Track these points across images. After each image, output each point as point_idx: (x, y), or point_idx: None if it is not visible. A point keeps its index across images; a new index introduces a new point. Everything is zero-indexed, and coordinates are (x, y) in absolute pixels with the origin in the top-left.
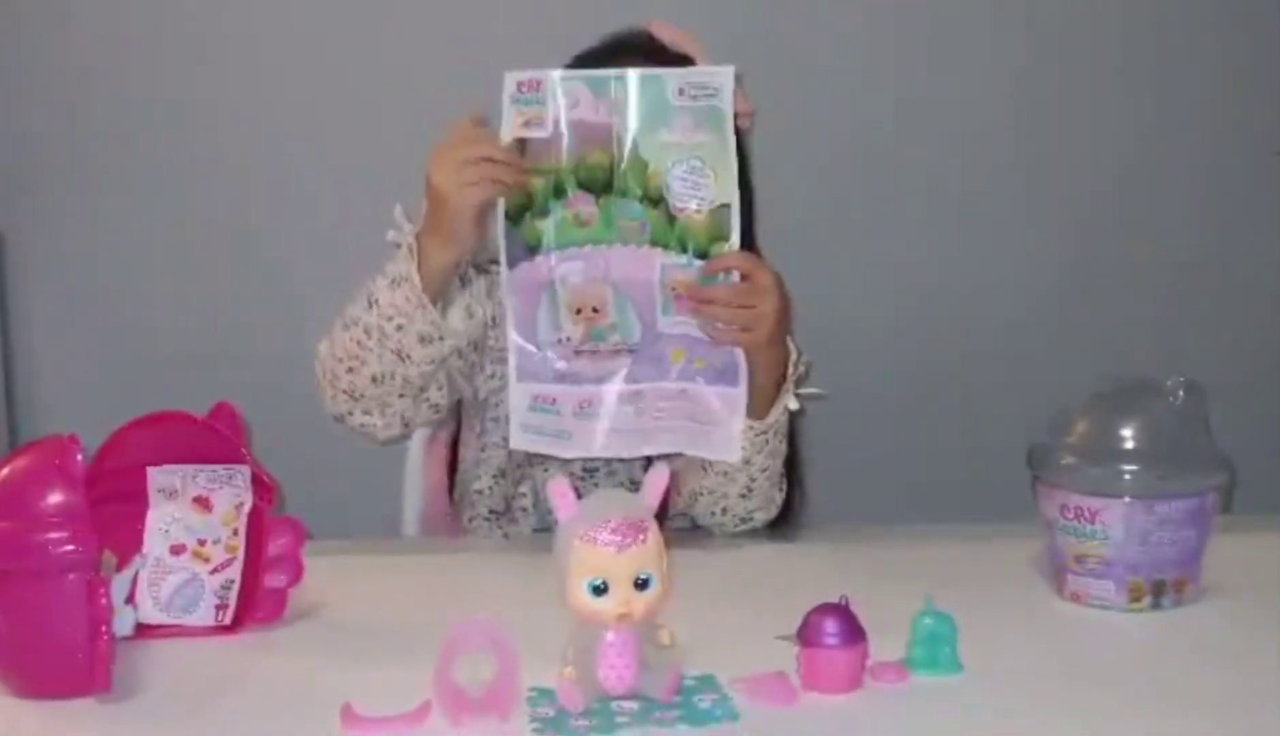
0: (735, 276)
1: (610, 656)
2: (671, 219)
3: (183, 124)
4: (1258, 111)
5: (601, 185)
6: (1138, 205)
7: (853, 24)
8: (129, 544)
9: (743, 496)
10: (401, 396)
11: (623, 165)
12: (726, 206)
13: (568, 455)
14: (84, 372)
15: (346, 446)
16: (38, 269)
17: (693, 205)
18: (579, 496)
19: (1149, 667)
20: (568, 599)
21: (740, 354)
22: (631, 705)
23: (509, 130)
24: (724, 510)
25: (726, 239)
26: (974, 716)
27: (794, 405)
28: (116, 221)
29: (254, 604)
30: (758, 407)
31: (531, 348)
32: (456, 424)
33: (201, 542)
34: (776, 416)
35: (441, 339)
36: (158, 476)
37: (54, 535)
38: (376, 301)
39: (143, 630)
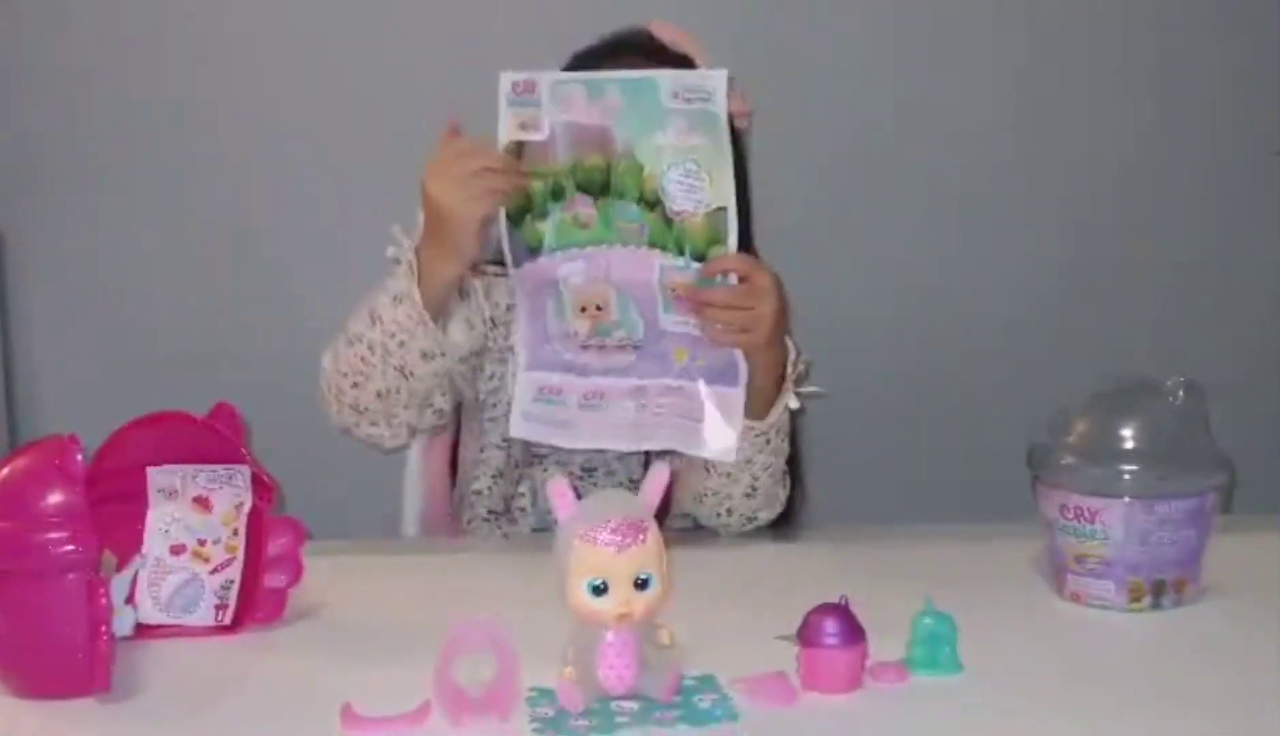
0: (733, 278)
1: (610, 656)
2: (668, 221)
3: (183, 124)
4: (1258, 111)
5: (599, 187)
6: (1138, 205)
7: (853, 24)
8: (129, 544)
9: (747, 496)
10: (406, 407)
11: (617, 168)
12: (723, 209)
13: (567, 445)
14: (84, 372)
15: (346, 446)
16: (38, 269)
17: (689, 208)
18: (578, 496)
19: (1149, 667)
20: (567, 599)
21: (739, 355)
22: (631, 705)
23: (505, 132)
24: (729, 510)
25: (723, 242)
26: (974, 716)
27: (794, 404)
28: (116, 221)
29: (254, 604)
30: (758, 408)
31: (542, 339)
32: (456, 425)
33: (201, 542)
34: (777, 416)
35: (443, 354)
36: (157, 476)
37: (54, 535)
38: (380, 318)
39: (142, 630)
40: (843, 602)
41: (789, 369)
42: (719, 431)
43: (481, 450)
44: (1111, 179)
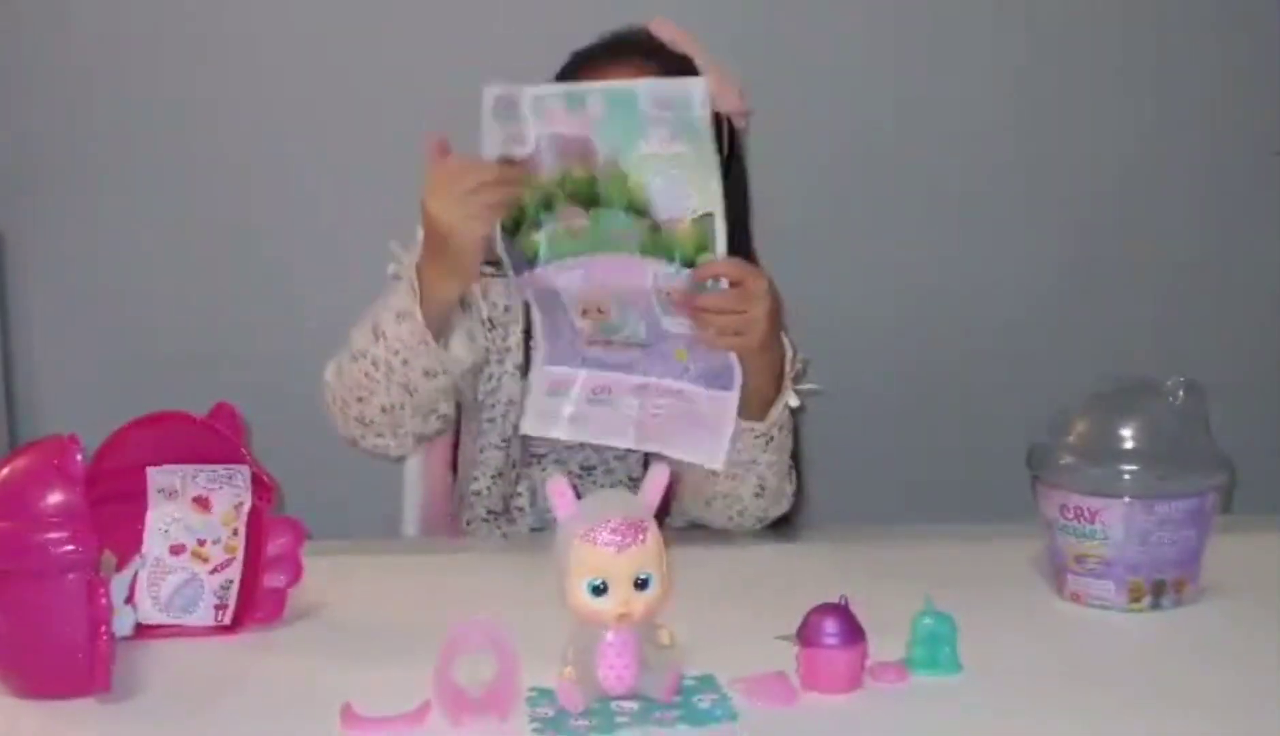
0: (724, 283)
1: (610, 656)
2: (657, 229)
3: (183, 124)
4: (1258, 111)
5: (587, 197)
6: (1138, 205)
7: (853, 24)
8: (128, 544)
9: (756, 496)
10: (412, 417)
11: (603, 178)
12: (710, 215)
13: (576, 438)
14: (84, 372)
15: (346, 447)
16: (38, 269)
17: (675, 215)
18: (578, 495)
19: (1149, 667)
20: (567, 599)
21: (734, 359)
22: (631, 705)
23: (491, 147)
24: (740, 511)
25: (711, 247)
26: (974, 716)
27: (794, 402)
28: (116, 221)
29: (253, 604)
30: (758, 409)
31: (554, 335)
32: (456, 426)
33: (201, 542)
34: (778, 415)
35: (446, 372)
36: (157, 476)
37: (54, 535)
38: (383, 334)
39: (142, 630)
40: (843, 602)
41: (787, 367)
42: (713, 437)
43: (481, 450)
44: (1111, 179)
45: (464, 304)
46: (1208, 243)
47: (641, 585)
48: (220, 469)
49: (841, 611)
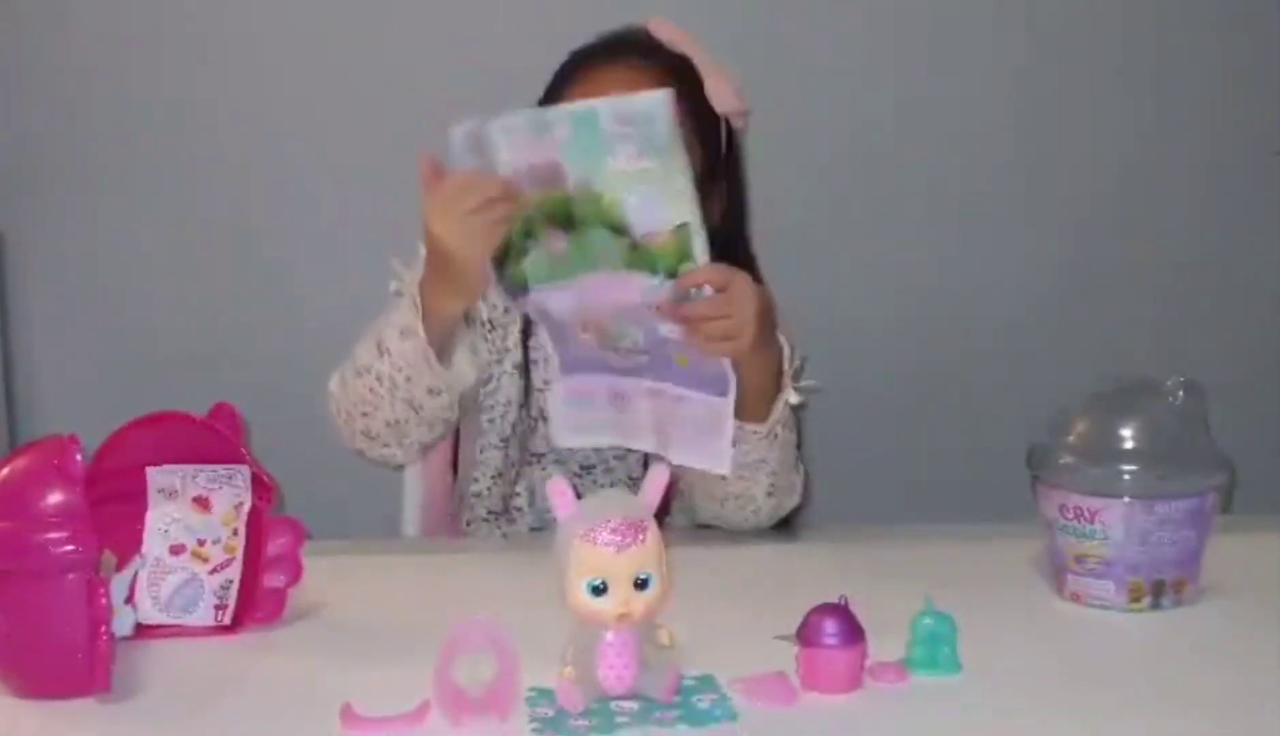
0: (707, 290)
1: (610, 656)
2: (636, 245)
3: (183, 124)
4: (1258, 111)
5: (565, 220)
6: (1138, 205)
7: (853, 24)
8: (128, 544)
9: (769, 494)
10: (417, 428)
11: (576, 199)
12: (687, 225)
13: (605, 442)
14: (84, 372)
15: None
16: (38, 269)
17: (652, 229)
18: (577, 495)
19: (1149, 667)
20: (567, 599)
21: (728, 364)
22: (631, 705)
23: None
24: (755, 511)
25: (692, 257)
26: (974, 716)
27: (795, 399)
28: (116, 221)
29: (253, 604)
30: (759, 410)
31: (565, 345)
32: (455, 427)
33: (201, 542)
34: (779, 414)
35: (449, 389)
36: (157, 476)
37: (54, 535)
38: (388, 351)
39: (142, 630)
40: (842, 602)
41: (786, 365)
42: (715, 443)
43: (481, 451)
44: (1111, 179)
45: (467, 318)
46: (1208, 243)
47: (641, 585)
48: (220, 469)
49: (841, 611)
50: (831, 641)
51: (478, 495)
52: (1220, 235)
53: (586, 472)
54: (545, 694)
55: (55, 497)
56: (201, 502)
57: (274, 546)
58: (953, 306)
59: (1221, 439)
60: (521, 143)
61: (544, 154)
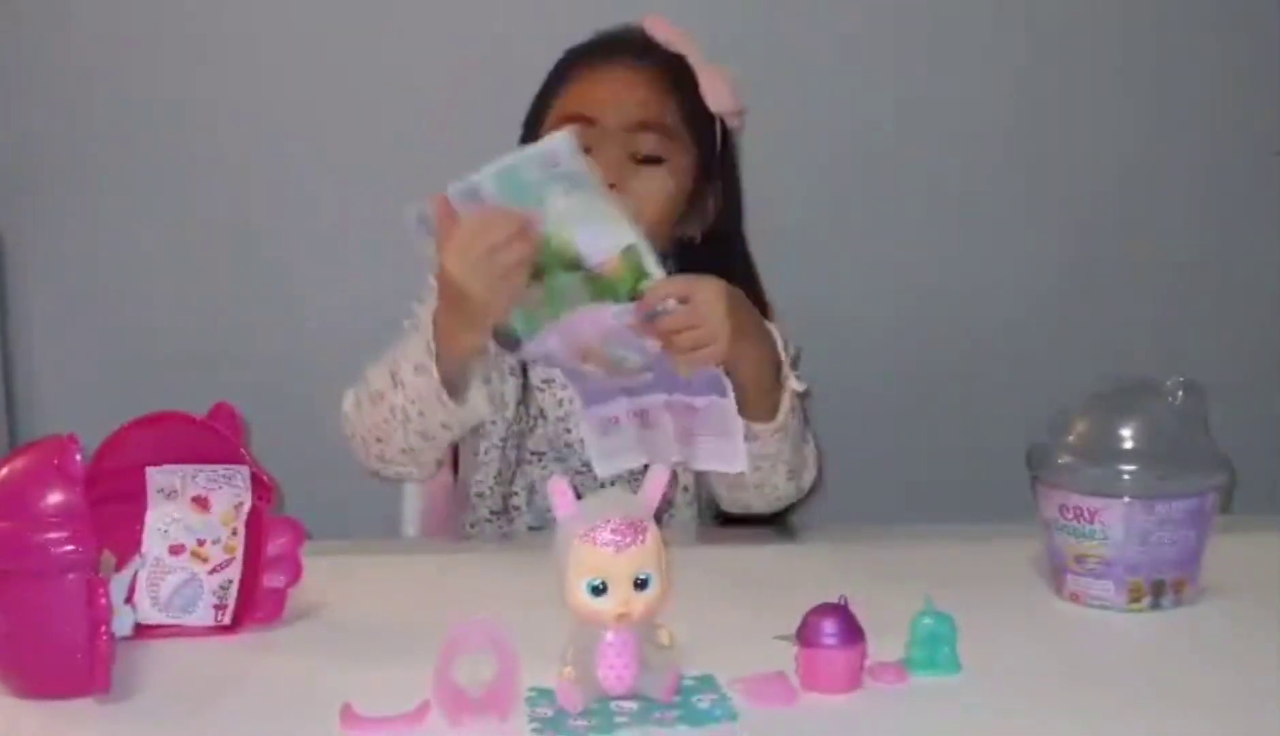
0: (670, 303)
1: (609, 656)
2: (593, 276)
3: (183, 124)
4: (1258, 111)
5: (532, 270)
6: (1138, 205)
7: (853, 24)
8: (128, 544)
9: (789, 479)
10: (433, 452)
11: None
12: (633, 245)
13: (640, 463)
14: (84, 372)
15: (346, 447)
16: (38, 269)
17: (602, 258)
18: (578, 494)
19: (1148, 667)
20: (567, 598)
21: (718, 368)
22: (631, 705)
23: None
24: (779, 498)
25: (648, 274)
26: (973, 716)
27: (799, 387)
28: (116, 221)
29: (253, 604)
30: (764, 405)
31: (584, 378)
32: None
33: (200, 543)
34: (787, 406)
35: (462, 424)
36: (157, 476)
37: (53, 535)
38: (402, 383)
39: (142, 630)
40: (842, 603)
41: (782, 355)
42: (729, 443)
43: (485, 452)
44: (1111, 179)
45: (481, 347)
46: (1208, 243)
47: (641, 585)
48: (220, 469)
49: (841, 611)
50: (831, 641)
51: (480, 495)
52: (1220, 235)
53: (587, 470)
54: (545, 694)
55: (55, 497)
56: (201, 503)
57: (274, 546)
58: (953, 306)
59: (1221, 439)
60: (465, 211)
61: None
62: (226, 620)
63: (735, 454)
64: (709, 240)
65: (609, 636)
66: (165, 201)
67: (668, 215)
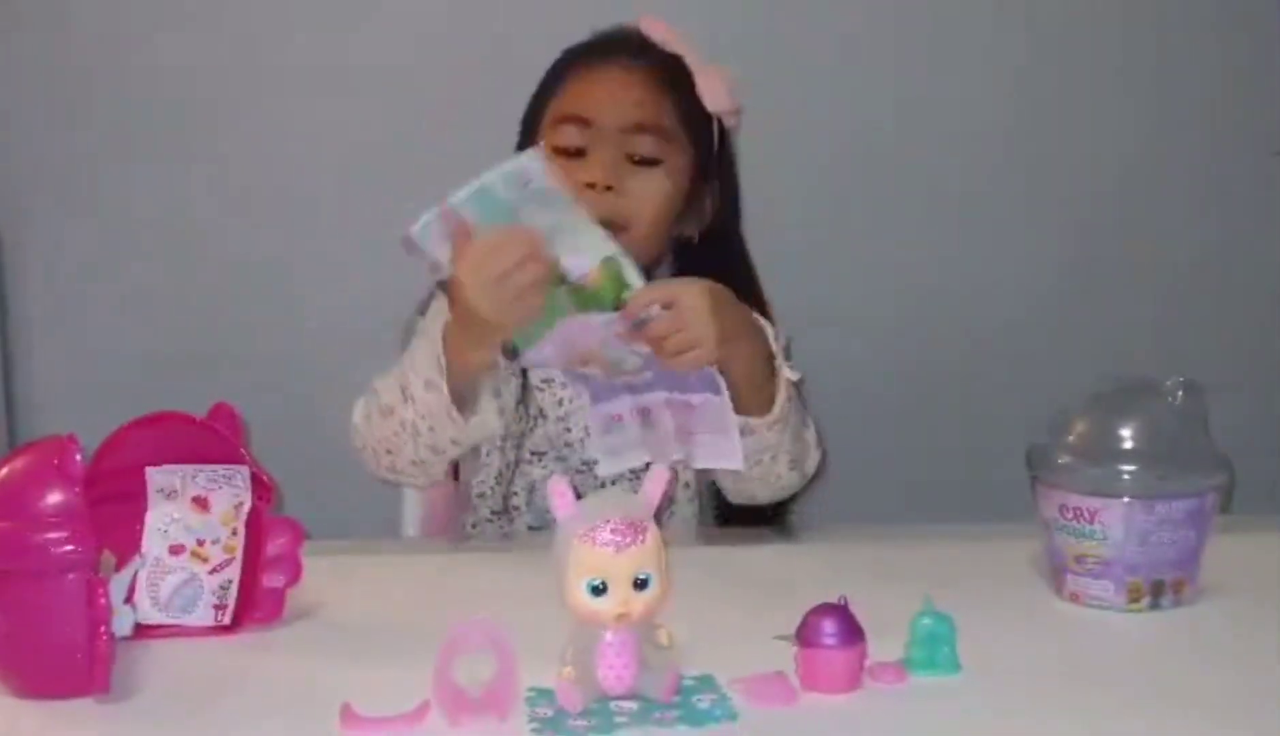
0: (655, 310)
1: (609, 656)
2: (577, 288)
3: (183, 124)
4: (1258, 111)
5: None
6: (1138, 205)
7: (853, 24)
8: (127, 544)
9: (792, 467)
10: (443, 465)
11: None
12: (611, 256)
13: (641, 462)
14: (84, 372)
15: (346, 447)
16: (38, 269)
17: (584, 270)
18: (579, 494)
19: (1148, 667)
20: (566, 598)
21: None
22: (630, 705)
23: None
24: (784, 486)
25: (630, 284)
26: (973, 716)
27: (794, 376)
28: (116, 222)
29: (252, 604)
30: (759, 399)
31: (581, 377)
32: None
33: (200, 543)
34: (784, 398)
35: (473, 439)
36: (156, 476)
37: (53, 535)
38: (412, 398)
39: (141, 630)
40: (842, 603)
41: (774, 347)
42: (726, 440)
43: (486, 454)
44: (1111, 179)
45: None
46: (1208, 243)
47: (641, 585)
48: (220, 469)
49: (841, 611)
50: (831, 641)
51: (481, 496)
52: (1220, 235)
53: (588, 469)
54: (545, 694)
55: (55, 497)
56: (201, 503)
57: (273, 546)
58: (953, 306)
59: (1221, 439)
60: (449, 228)
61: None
62: (226, 620)
63: (733, 450)
64: (707, 239)
65: (608, 636)
66: (165, 201)
67: (665, 216)
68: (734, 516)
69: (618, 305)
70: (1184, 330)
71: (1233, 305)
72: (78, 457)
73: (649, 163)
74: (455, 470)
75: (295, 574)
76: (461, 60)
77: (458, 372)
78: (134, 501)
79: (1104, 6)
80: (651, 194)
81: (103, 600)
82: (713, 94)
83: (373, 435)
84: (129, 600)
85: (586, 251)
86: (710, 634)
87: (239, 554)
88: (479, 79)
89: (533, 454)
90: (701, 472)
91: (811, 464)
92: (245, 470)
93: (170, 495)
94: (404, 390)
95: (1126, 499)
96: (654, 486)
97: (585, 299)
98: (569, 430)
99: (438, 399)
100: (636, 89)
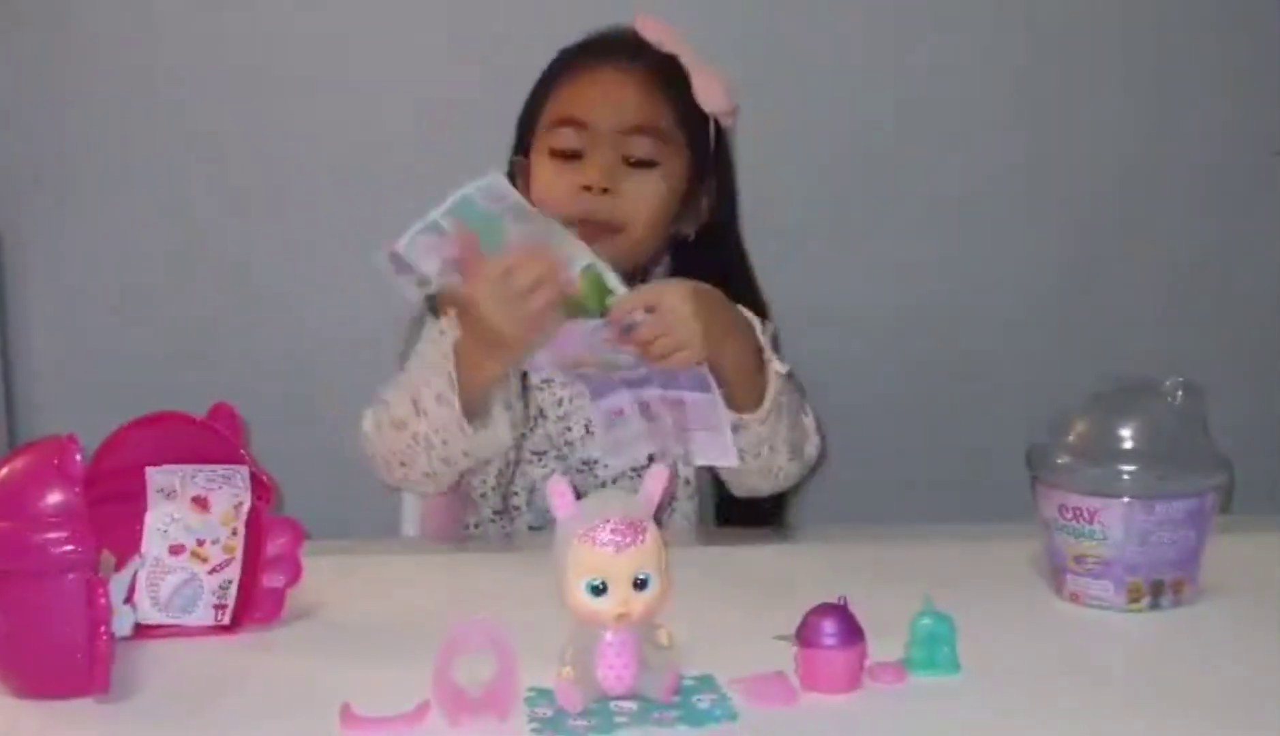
0: (638, 314)
1: (609, 656)
2: (563, 299)
3: (183, 124)
4: (1258, 111)
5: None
6: (1138, 205)
7: (853, 24)
8: (127, 544)
9: (792, 458)
10: (455, 475)
11: None
12: (591, 265)
13: (644, 454)
14: (84, 372)
15: (346, 446)
16: (38, 269)
17: (566, 280)
18: (579, 492)
19: (1148, 667)
20: (566, 598)
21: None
22: (630, 705)
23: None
24: (785, 476)
25: (611, 290)
26: (973, 716)
27: (782, 368)
28: (116, 221)
29: (252, 604)
30: (751, 394)
31: (590, 370)
32: None
33: (200, 543)
34: (775, 391)
35: (485, 452)
36: (156, 476)
37: (53, 535)
38: (425, 412)
39: (141, 630)
40: (842, 603)
41: (761, 340)
42: (718, 437)
43: None
44: (1111, 179)
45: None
46: (1208, 243)
47: (640, 585)
48: (219, 469)
49: (840, 611)
50: (831, 641)
51: (483, 496)
52: (1220, 235)
53: (589, 468)
54: (544, 694)
55: (54, 497)
56: (200, 503)
57: (273, 546)
58: (953, 306)
59: (1221, 439)
60: (430, 246)
61: (455, 247)
62: (226, 620)
63: (726, 447)
64: (703, 237)
65: (608, 636)
66: (165, 201)
67: (662, 217)
68: (735, 511)
69: (603, 311)
70: (1184, 330)
71: (1233, 305)
72: (78, 457)
73: (645, 164)
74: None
75: (295, 574)
76: (463, 60)
77: (470, 387)
78: (134, 501)
79: (1104, 6)
80: (648, 195)
81: (103, 600)
82: (708, 94)
83: (385, 446)
84: (129, 600)
85: (567, 264)
86: (710, 634)
87: (239, 554)
88: (480, 79)
89: (533, 453)
90: (702, 469)
91: (812, 449)
92: (245, 470)
93: (170, 495)
94: (416, 404)
95: (1126, 499)
96: (654, 485)
97: (571, 307)
98: (569, 429)
99: (450, 413)
100: (632, 91)
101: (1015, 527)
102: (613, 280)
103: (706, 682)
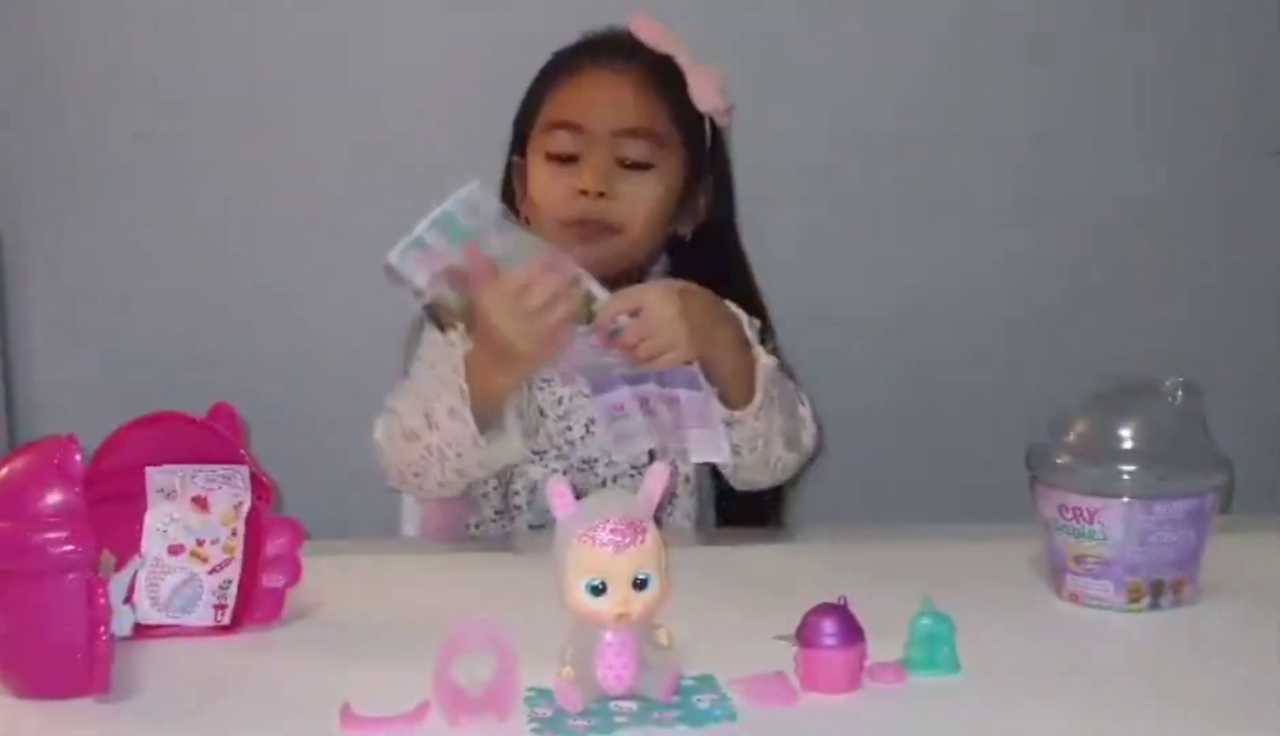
0: (623, 319)
1: (609, 656)
2: None
3: (183, 124)
4: (1258, 111)
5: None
6: (1138, 205)
7: (853, 24)
8: (127, 544)
9: (789, 448)
10: (467, 484)
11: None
12: (576, 276)
13: (646, 449)
14: (84, 372)
15: (346, 446)
16: (38, 269)
17: None
18: (579, 493)
19: (1148, 667)
20: (566, 598)
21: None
22: (630, 705)
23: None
24: (784, 467)
25: (596, 296)
26: (972, 716)
27: (770, 361)
28: (116, 221)
29: (252, 604)
30: (742, 390)
31: (589, 367)
32: None
33: (200, 543)
34: (764, 383)
35: (498, 463)
36: (156, 476)
37: (52, 535)
38: (437, 425)
39: (141, 630)
40: (841, 603)
41: (748, 334)
42: (710, 434)
43: None
44: (1112, 179)
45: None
46: (1208, 243)
47: (640, 585)
48: (219, 469)
49: (840, 611)
50: (830, 641)
51: (484, 495)
52: (1220, 235)
53: (589, 466)
54: (544, 694)
55: (54, 497)
56: (200, 503)
57: (273, 546)
58: (953, 306)
59: (1221, 439)
60: (419, 259)
61: (449, 257)
62: (226, 620)
63: (718, 444)
64: (701, 236)
65: (608, 636)
66: (165, 201)
67: (658, 218)
68: (734, 506)
69: (589, 318)
70: (1184, 330)
71: (1233, 305)
72: (78, 457)
73: (641, 166)
74: None
75: (295, 574)
76: (463, 60)
77: (482, 399)
78: (134, 501)
79: (1104, 7)
80: (645, 197)
81: (102, 600)
82: (703, 94)
83: (397, 457)
84: (129, 600)
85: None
86: (710, 634)
87: (239, 554)
88: (479, 79)
89: (533, 453)
90: (701, 466)
91: (809, 439)
92: (245, 470)
93: (170, 495)
94: (428, 417)
95: (1126, 499)
96: (654, 484)
97: None
98: (569, 429)
99: (463, 428)
100: (627, 93)
101: (1015, 527)
102: (594, 286)
103: (706, 682)
